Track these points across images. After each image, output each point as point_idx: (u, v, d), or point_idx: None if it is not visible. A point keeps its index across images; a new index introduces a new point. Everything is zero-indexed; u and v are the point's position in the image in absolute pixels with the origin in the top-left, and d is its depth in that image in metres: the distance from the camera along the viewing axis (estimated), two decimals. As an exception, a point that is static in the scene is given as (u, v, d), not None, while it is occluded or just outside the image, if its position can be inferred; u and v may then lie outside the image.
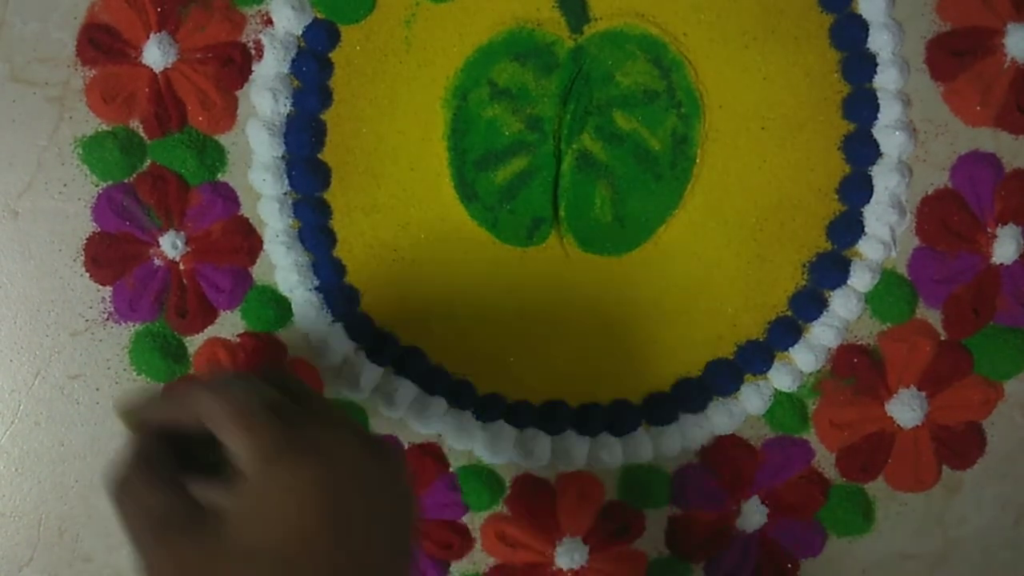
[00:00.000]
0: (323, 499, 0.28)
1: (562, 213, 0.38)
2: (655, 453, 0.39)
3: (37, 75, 0.36)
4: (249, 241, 0.37)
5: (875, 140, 0.38)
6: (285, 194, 0.37)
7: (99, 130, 0.36)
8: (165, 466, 0.30)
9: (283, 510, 0.27)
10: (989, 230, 0.38)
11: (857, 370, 0.39)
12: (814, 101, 0.38)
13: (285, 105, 0.37)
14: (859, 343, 0.39)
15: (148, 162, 0.37)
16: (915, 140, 0.38)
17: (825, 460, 0.40)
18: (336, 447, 0.29)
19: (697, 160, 0.38)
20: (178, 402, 0.31)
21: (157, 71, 0.36)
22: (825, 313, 0.39)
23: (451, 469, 0.39)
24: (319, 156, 0.37)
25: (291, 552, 0.27)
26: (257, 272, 0.37)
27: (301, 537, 0.27)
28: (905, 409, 0.39)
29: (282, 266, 0.37)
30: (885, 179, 0.38)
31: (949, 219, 0.38)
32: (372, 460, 0.30)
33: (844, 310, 0.38)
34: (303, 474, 0.28)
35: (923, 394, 0.39)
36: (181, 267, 0.37)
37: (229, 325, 0.38)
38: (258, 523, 0.27)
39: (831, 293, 0.39)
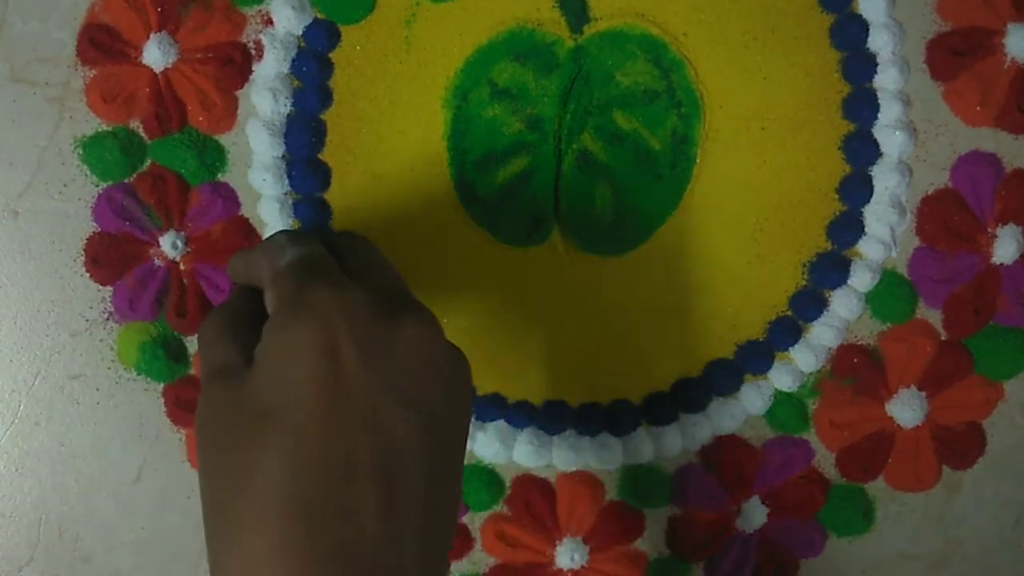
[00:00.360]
0: (319, 364, 0.26)
1: (562, 213, 0.38)
2: (655, 453, 0.39)
3: (37, 75, 0.36)
4: (249, 241, 0.37)
5: (875, 140, 0.38)
6: (285, 194, 0.37)
7: (99, 130, 0.36)
8: (243, 319, 0.30)
9: (285, 373, 0.27)
10: (989, 230, 0.38)
11: (857, 370, 0.39)
12: (814, 101, 0.38)
13: (285, 105, 0.37)
14: (859, 343, 0.39)
15: (148, 162, 0.37)
16: (915, 140, 0.38)
17: (825, 460, 0.40)
18: (340, 310, 0.27)
19: (697, 160, 0.38)
20: (244, 259, 0.31)
21: (157, 71, 0.36)
22: (825, 313, 0.39)
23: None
24: (319, 156, 0.37)
25: (294, 418, 0.26)
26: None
27: (300, 404, 0.26)
28: (905, 409, 0.39)
29: (282, 266, 0.37)
30: (885, 179, 0.38)
31: (949, 219, 0.38)
32: (384, 326, 0.28)
33: (844, 310, 0.39)
34: (300, 335, 0.27)
35: (923, 394, 0.39)
36: (181, 267, 0.37)
37: (229, 325, 0.38)
38: (267, 383, 0.27)
39: (831, 293, 0.39)
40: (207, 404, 0.28)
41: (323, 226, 0.37)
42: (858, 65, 0.37)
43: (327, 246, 0.31)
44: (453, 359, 0.30)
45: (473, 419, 0.39)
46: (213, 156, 0.37)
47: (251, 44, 0.36)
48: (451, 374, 0.29)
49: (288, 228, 0.37)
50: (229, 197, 0.37)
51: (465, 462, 0.39)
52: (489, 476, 0.39)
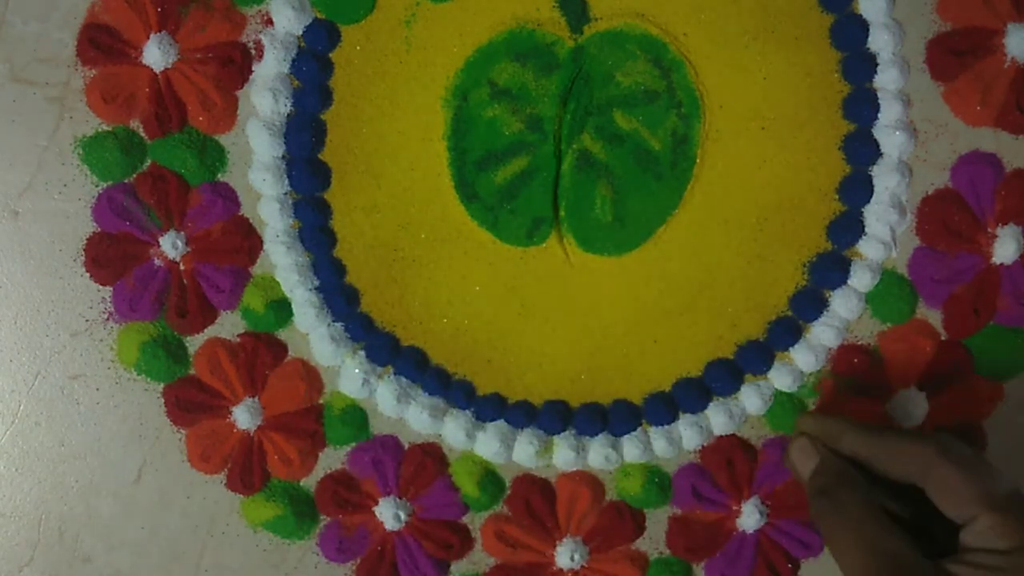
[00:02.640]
0: None
1: (562, 213, 0.38)
2: (655, 453, 0.39)
3: (37, 75, 0.36)
4: (249, 241, 0.37)
5: (875, 140, 0.38)
6: (285, 194, 0.37)
7: (99, 130, 0.36)
8: (878, 503, 0.30)
9: None
10: (989, 230, 0.38)
11: (857, 370, 0.39)
12: (814, 101, 0.38)
13: (285, 105, 0.37)
14: (859, 343, 0.39)
15: (148, 162, 0.37)
16: (915, 140, 0.38)
17: (825, 460, 0.40)
18: None
19: (697, 160, 0.38)
20: (895, 448, 0.31)
21: (157, 71, 0.36)
22: (825, 313, 0.39)
23: (451, 469, 0.39)
24: (319, 156, 0.37)
25: None
26: (257, 272, 0.37)
27: None
28: (905, 409, 0.39)
29: (282, 266, 0.37)
30: (885, 179, 0.38)
31: (949, 219, 0.38)
32: None
33: (844, 310, 0.38)
34: None
35: (923, 394, 0.39)
36: (181, 267, 0.37)
37: (229, 325, 0.38)
38: None
39: (831, 293, 0.39)
40: None
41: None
42: (858, 65, 0.37)
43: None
44: None
45: (473, 419, 0.39)
46: (213, 156, 0.37)
47: (251, 44, 0.36)
48: None
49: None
50: (229, 197, 0.37)
51: (463, 461, 0.39)
52: (489, 476, 0.39)
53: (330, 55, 0.37)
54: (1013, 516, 0.28)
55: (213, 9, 0.36)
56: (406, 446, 0.39)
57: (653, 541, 0.40)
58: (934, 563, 0.29)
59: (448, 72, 0.37)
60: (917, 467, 0.31)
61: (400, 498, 0.39)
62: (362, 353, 0.38)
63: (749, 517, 0.40)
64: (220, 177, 0.37)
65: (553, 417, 0.39)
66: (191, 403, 0.38)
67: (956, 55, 0.37)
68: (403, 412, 0.38)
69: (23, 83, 0.36)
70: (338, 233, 0.38)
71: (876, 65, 0.37)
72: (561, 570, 0.39)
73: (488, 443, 0.39)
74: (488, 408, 0.39)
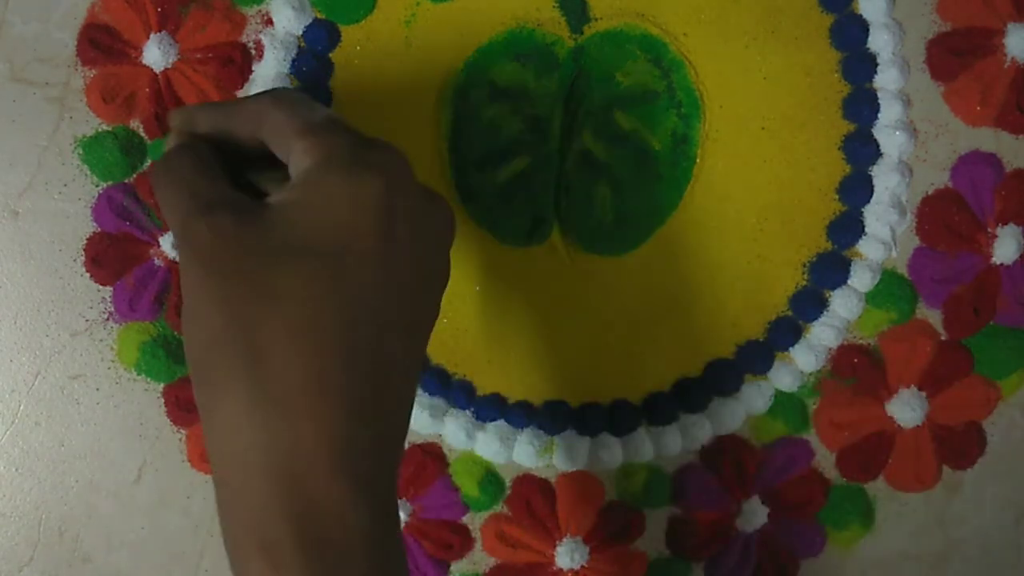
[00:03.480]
0: (379, 208, 0.28)
1: (562, 213, 0.38)
2: (655, 453, 0.39)
3: (37, 75, 0.36)
4: (249, 241, 0.37)
5: (875, 140, 0.38)
6: (285, 194, 0.37)
7: (99, 130, 0.36)
8: (214, 164, 0.30)
9: (338, 211, 0.27)
10: (989, 230, 0.38)
11: (857, 370, 0.39)
12: (814, 101, 0.38)
13: (285, 105, 0.37)
14: (859, 343, 0.39)
15: (148, 162, 0.37)
16: (915, 140, 0.38)
17: (825, 460, 0.40)
18: (397, 168, 0.29)
19: (697, 160, 0.38)
20: (236, 110, 0.31)
21: (157, 71, 0.36)
22: (825, 313, 0.39)
23: (451, 469, 0.39)
24: (319, 156, 0.37)
25: (339, 250, 0.27)
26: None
27: (353, 236, 0.27)
28: (905, 409, 0.39)
29: (282, 266, 0.37)
30: (885, 179, 0.38)
31: (949, 219, 0.38)
32: (422, 188, 0.30)
33: (844, 310, 0.38)
34: (364, 182, 0.28)
35: (923, 394, 0.39)
36: (181, 267, 0.37)
37: (229, 325, 0.38)
38: (311, 219, 0.27)
39: (831, 293, 0.39)
40: (215, 234, 0.27)
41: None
42: (858, 65, 0.37)
43: None
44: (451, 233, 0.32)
45: (473, 419, 0.39)
46: (213, 156, 0.37)
47: (251, 44, 0.36)
48: (447, 250, 0.32)
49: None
50: (229, 197, 0.37)
51: (463, 461, 0.39)
52: (489, 476, 0.39)
53: (330, 55, 0.37)
54: (321, 138, 0.29)
55: (213, 9, 0.36)
56: (406, 446, 0.39)
57: (653, 541, 0.40)
58: (252, 199, 0.29)
59: (448, 72, 0.37)
60: (256, 122, 0.31)
61: (400, 498, 0.39)
62: (362, 353, 0.38)
63: (749, 517, 0.40)
64: (220, 177, 0.37)
65: (553, 417, 0.39)
66: (191, 403, 0.38)
67: (956, 55, 0.37)
68: (403, 412, 0.38)
69: (23, 83, 0.36)
70: (338, 233, 0.38)
71: (876, 65, 0.37)
72: (561, 570, 0.39)
73: (488, 443, 0.39)
74: (488, 408, 0.39)
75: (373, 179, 0.28)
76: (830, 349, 0.39)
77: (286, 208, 0.28)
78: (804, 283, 0.39)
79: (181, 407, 0.38)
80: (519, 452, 0.39)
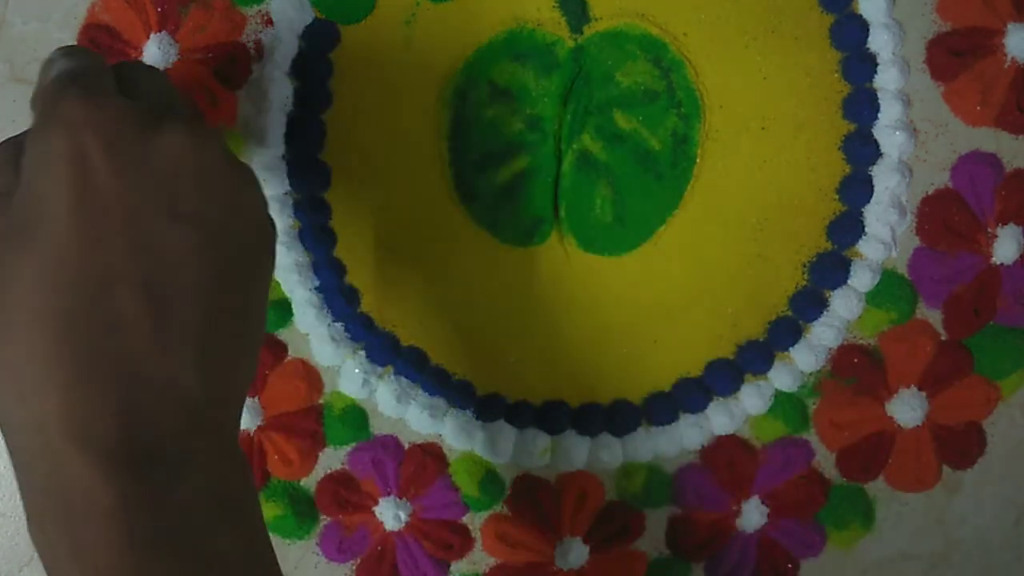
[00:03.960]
0: (69, 173, 0.26)
1: (562, 213, 0.38)
2: (655, 453, 0.39)
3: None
4: (249, 241, 0.37)
5: (875, 140, 0.38)
6: (285, 194, 0.37)
7: (99, 130, 0.36)
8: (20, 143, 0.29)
9: (40, 185, 0.26)
10: (989, 230, 0.38)
11: (857, 370, 0.39)
12: (814, 101, 0.38)
13: (285, 105, 0.37)
14: (859, 343, 0.39)
15: (148, 162, 0.37)
16: (915, 140, 0.38)
17: (825, 460, 0.40)
18: (88, 118, 0.26)
19: (697, 160, 0.38)
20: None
21: (157, 71, 0.36)
22: (825, 313, 0.39)
23: (451, 469, 0.39)
24: (319, 156, 0.37)
25: (49, 229, 0.25)
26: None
27: (56, 216, 0.25)
28: (905, 409, 0.39)
29: (282, 266, 0.37)
30: (885, 179, 0.38)
31: (949, 219, 0.38)
32: (141, 135, 0.26)
33: (844, 310, 0.39)
34: (50, 146, 0.26)
35: (923, 394, 0.39)
36: (181, 267, 0.37)
37: (229, 325, 0.38)
38: (27, 197, 0.26)
39: (831, 293, 0.39)
40: None
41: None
42: (858, 65, 0.37)
43: (117, 72, 0.29)
44: (233, 173, 0.28)
45: (473, 419, 0.39)
46: (213, 156, 0.37)
47: (251, 44, 0.36)
48: (232, 189, 0.28)
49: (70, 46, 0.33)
50: (229, 197, 0.37)
51: (463, 461, 0.39)
52: (489, 476, 0.39)
53: (330, 55, 0.37)
54: (42, 96, 0.27)
55: (213, 9, 0.36)
56: (406, 446, 0.39)
57: (653, 541, 0.40)
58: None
59: (448, 72, 0.37)
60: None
61: (400, 498, 0.39)
62: (362, 353, 0.38)
63: (749, 517, 0.40)
64: (220, 177, 0.37)
65: (553, 417, 0.39)
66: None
67: (956, 55, 0.37)
68: (403, 412, 0.38)
69: (23, 83, 0.36)
70: (338, 233, 0.38)
71: (876, 65, 0.37)
72: (561, 570, 0.39)
73: (488, 443, 0.39)
74: (488, 408, 0.39)
75: (55, 133, 0.26)
76: (830, 349, 0.39)
77: (20, 187, 0.27)
78: (804, 283, 0.39)
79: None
80: (518, 452, 0.39)
